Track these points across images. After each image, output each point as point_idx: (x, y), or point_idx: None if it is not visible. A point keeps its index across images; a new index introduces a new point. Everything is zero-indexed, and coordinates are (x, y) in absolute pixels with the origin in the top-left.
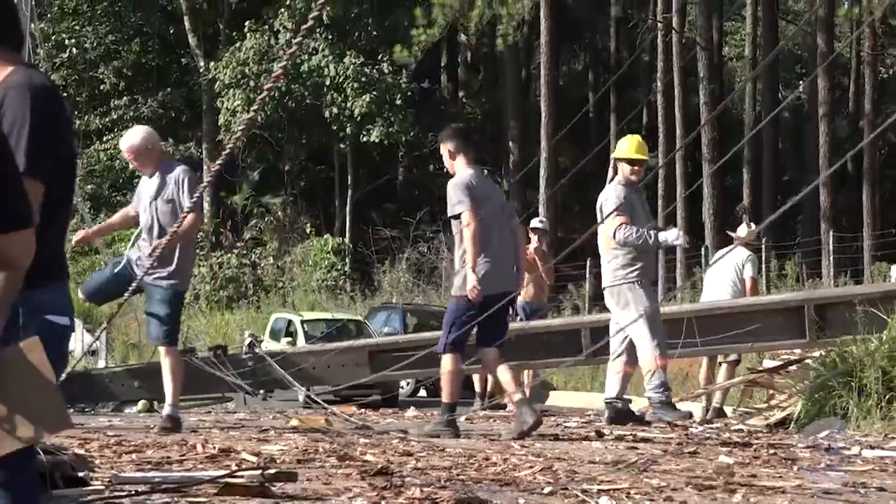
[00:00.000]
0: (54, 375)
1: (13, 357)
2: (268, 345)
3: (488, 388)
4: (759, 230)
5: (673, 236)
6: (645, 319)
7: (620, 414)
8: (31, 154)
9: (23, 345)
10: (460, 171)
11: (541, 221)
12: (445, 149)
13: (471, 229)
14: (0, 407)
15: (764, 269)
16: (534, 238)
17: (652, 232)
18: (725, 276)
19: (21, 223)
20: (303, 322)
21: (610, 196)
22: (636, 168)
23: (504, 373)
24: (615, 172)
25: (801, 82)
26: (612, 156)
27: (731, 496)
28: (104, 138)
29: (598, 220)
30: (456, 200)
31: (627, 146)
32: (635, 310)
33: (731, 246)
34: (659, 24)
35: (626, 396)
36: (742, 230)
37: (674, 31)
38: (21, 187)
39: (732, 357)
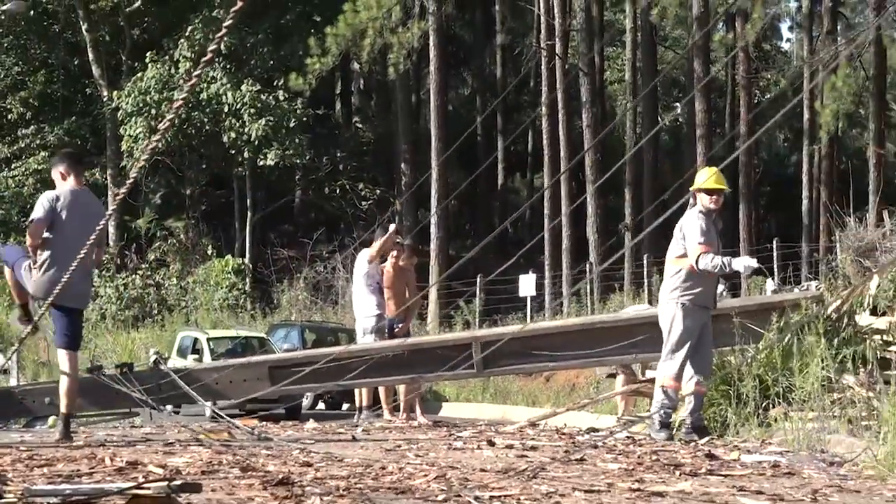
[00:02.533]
0: None
1: None
2: (175, 362)
3: (366, 401)
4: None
5: (741, 265)
6: (677, 340)
7: (699, 430)
8: None
9: None
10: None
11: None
12: (57, 171)
13: (30, 239)
14: None
15: (645, 283)
16: (394, 252)
17: (727, 259)
18: None
19: None
20: (209, 339)
21: (693, 223)
22: (714, 197)
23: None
24: (695, 201)
25: (677, 105)
26: (692, 188)
27: (617, 501)
28: (12, 165)
29: (675, 240)
30: (34, 210)
31: (706, 177)
32: (675, 329)
33: None
34: (542, 51)
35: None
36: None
37: (557, 57)
38: None
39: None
